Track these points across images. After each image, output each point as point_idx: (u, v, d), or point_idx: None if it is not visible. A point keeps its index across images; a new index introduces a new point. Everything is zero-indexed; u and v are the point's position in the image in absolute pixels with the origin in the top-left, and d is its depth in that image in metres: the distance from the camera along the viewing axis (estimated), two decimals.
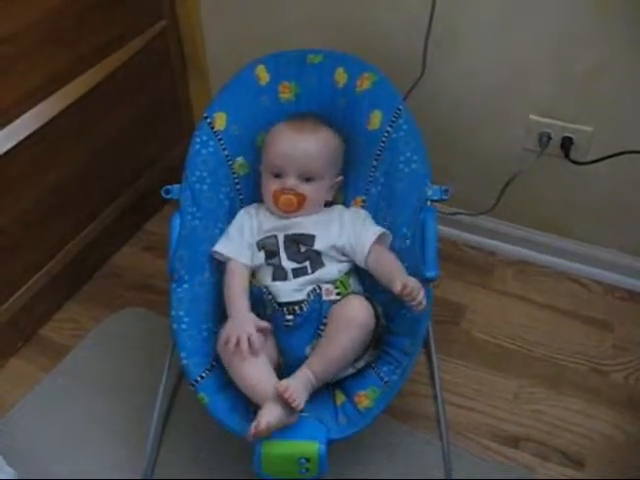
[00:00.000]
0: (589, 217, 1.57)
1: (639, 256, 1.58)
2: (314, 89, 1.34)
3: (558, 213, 1.60)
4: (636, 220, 1.52)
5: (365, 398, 1.13)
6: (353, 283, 1.23)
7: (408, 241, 1.22)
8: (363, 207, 1.32)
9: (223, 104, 1.30)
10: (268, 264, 1.21)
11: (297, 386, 1.05)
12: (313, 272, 1.19)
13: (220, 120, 1.29)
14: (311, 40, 1.37)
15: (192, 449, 1.30)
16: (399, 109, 1.28)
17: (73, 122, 1.45)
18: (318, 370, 1.10)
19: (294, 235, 1.22)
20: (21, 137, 1.32)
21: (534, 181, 1.53)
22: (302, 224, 1.23)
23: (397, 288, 1.06)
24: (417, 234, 1.20)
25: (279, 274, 1.19)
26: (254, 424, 1.01)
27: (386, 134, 1.28)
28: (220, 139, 1.29)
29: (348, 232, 1.23)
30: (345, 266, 1.23)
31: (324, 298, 1.16)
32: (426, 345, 1.42)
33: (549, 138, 1.46)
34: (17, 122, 1.31)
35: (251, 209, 1.30)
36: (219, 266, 1.24)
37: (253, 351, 1.10)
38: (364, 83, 1.30)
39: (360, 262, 1.22)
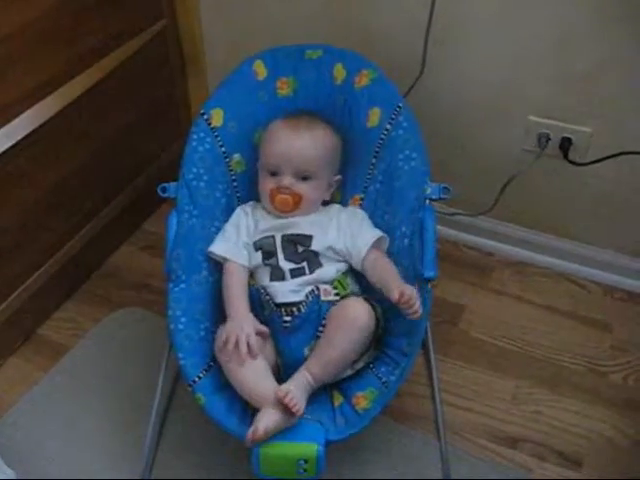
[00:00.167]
0: (588, 218, 1.57)
1: (638, 257, 1.58)
2: (312, 85, 1.33)
3: (557, 214, 1.60)
4: (635, 221, 1.52)
5: (363, 399, 1.13)
6: (351, 283, 1.22)
7: (407, 240, 1.21)
8: (361, 205, 1.32)
9: (220, 100, 1.30)
10: (265, 264, 1.20)
11: (296, 391, 1.05)
12: (311, 272, 1.18)
13: (217, 116, 1.29)
14: (310, 40, 1.36)
15: (190, 449, 1.30)
16: (399, 106, 1.27)
17: (71, 122, 1.44)
18: (317, 372, 1.09)
19: (291, 235, 1.22)
20: (19, 137, 1.32)
21: (533, 182, 1.53)
22: (299, 224, 1.23)
23: (395, 296, 1.06)
24: (416, 233, 1.19)
25: (277, 274, 1.19)
26: (252, 429, 1.01)
27: (385, 131, 1.28)
28: (217, 136, 1.28)
29: (345, 235, 1.23)
30: (343, 265, 1.22)
31: (322, 298, 1.16)
32: (424, 345, 1.42)
33: (548, 139, 1.46)
34: (15, 122, 1.31)
35: (247, 207, 1.29)
36: (216, 265, 1.24)
37: (251, 353, 1.10)
38: (363, 80, 1.30)
39: (356, 265, 1.21)
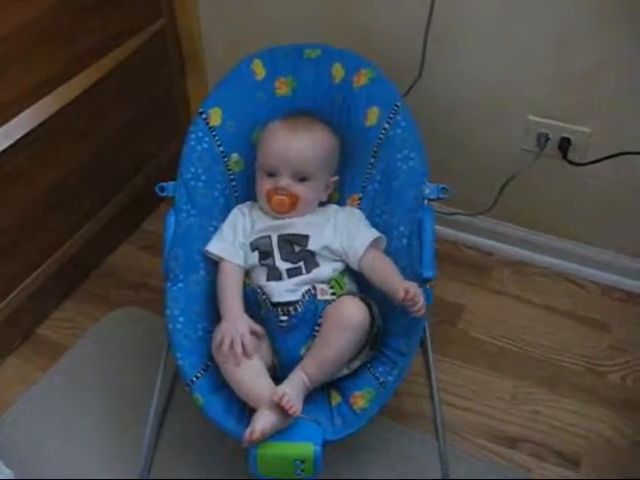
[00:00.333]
0: (587, 218, 1.57)
1: (637, 257, 1.58)
2: (311, 84, 1.33)
3: (556, 214, 1.60)
4: (634, 221, 1.52)
5: (361, 399, 1.12)
6: (348, 282, 1.22)
7: (405, 240, 1.21)
8: (359, 205, 1.32)
9: (219, 99, 1.30)
10: (262, 264, 1.20)
11: (292, 392, 1.05)
12: (308, 272, 1.18)
13: (215, 116, 1.29)
14: (309, 39, 1.36)
15: (188, 449, 1.30)
16: (397, 105, 1.27)
17: (70, 121, 1.44)
18: (312, 372, 1.09)
19: (288, 235, 1.22)
20: (18, 136, 1.32)
21: (532, 181, 1.53)
22: (296, 224, 1.23)
23: (400, 294, 1.06)
24: (414, 233, 1.19)
25: (273, 274, 1.19)
26: (249, 430, 1.01)
27: (383, 131, 1.28)
28: (215, 135, 1.28)
29: (341, 235, 1.23)
30: (340, 265, 1.22)
31: (319, 298, 1.16)
32: (423, 345, 1.42)
33: (547, 139, 1.45)
34: (14, 121, 1.31)
35: (244, 208, 1.29)
36: (214, 265, 1.24)
37: (246, 353, 1.10)
38: (361, 79, 1.30)
39: (353, 265, 1.21)
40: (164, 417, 1.34)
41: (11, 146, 1.31)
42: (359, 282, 1.24)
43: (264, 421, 1.02)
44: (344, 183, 1.34)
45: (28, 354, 1.48)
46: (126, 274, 1.66)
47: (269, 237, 1.22)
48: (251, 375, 1.09)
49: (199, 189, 1.25)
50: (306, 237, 1.21)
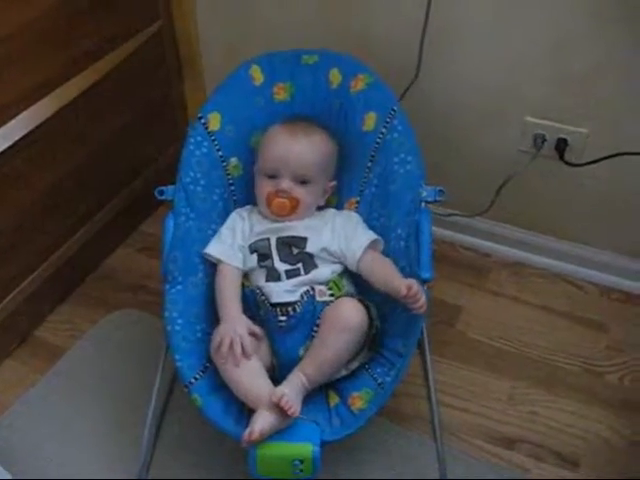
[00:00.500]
0: (584, 218, 1.57)
1: (634, 258, 1.58)
2: (309, 90, 1.34)
3: (553, 214, 1.60)
4: (631, 222, 1.53)
5: (359, 400, 1.13)
6: (346, 284, 1.23)
7: (402, 242, 1.21)
8: (357, 208, 1.32)
9: (217, 104, 1.30)
10: (261, 266, 1.21)
11: (291, 393, 1.05)
12: (306, 273, 1.19)
13: (214, 120, 1.29)
14: (307, 43, 1.37)
15: (186, 450, 1.30)
16: (393, 110, 1.28)
17: (68, 123, 1.44)
18: (311, 373, 1.10)
19: (286, 237, 1.22)
20: (16, 138, 1.32)
21: (529, 183, 1.53)
22: (294, 227, 1.23)
23: (403, 291, 1.07)
24: (412, 235, 1.20)
25: (272, 275, 1.19)
26: (247, 431, 1.01)
27: (380, 135, 1.28)
28: (214, 140, 1.29)
29: (339, 237, 1.23)
30: (338, 267, 1.23)
31: (317, 299, 1.16)
32: (420, 346, 1.42)
33: (544, 140, 1.46)
34: (12, 123, 1.31)
35: (243, 212, 1.30)
36: (212, 267, 1.24)
37: (245, 354, 1.10)
38: (358, 84, 1.31)
39: (351, 266, 1.22)
40: (162, 418, 1.34)
41: (9, 148, 1.31)
42: (357, 284, 1.25)
43: (263, 422, 1.02)
44: (342, 187, 1.34)
45: (25, 357, 1.48)
46: (124, 276, 1.66)
47: (268, 239, 1.23)
48: (250, 376, 1.10)
49: (198, 193, 1.26)
50: (304, 239, 1.22)
